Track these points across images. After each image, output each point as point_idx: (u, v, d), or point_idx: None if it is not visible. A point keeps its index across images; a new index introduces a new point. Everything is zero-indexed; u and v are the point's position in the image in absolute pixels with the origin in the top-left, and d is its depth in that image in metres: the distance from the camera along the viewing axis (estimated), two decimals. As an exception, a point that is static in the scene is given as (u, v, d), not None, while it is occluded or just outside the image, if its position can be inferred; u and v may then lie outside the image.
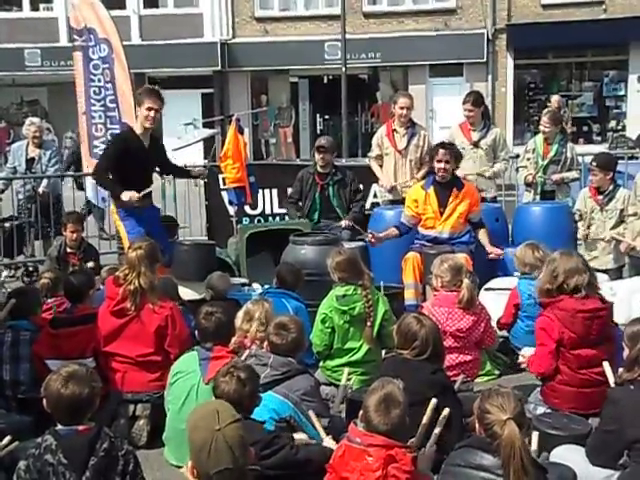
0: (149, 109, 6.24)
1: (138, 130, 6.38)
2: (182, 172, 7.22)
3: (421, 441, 3.48)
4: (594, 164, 6.99)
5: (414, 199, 6.68)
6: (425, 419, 3.53)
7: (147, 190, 6.38)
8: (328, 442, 3.61)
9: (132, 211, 6.36)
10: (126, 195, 6.13)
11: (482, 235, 6.64)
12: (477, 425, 3.11)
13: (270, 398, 3.86)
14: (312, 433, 3.91)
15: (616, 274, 6.80)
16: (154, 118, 6.30)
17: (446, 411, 3.56)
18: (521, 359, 4.84)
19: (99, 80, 8.77)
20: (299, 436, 3.62)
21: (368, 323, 5.09)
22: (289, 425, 3.82)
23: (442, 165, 6.52)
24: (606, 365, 4.17)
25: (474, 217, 6.64)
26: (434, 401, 3.60)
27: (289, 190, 8.12)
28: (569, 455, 3.65)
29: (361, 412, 3.21)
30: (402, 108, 7.68)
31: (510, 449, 2.90)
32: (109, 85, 8.71)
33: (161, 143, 6.84)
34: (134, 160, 6.20)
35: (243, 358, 4.29)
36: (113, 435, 3.10)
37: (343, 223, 7.60)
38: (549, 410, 4.54)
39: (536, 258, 5.57)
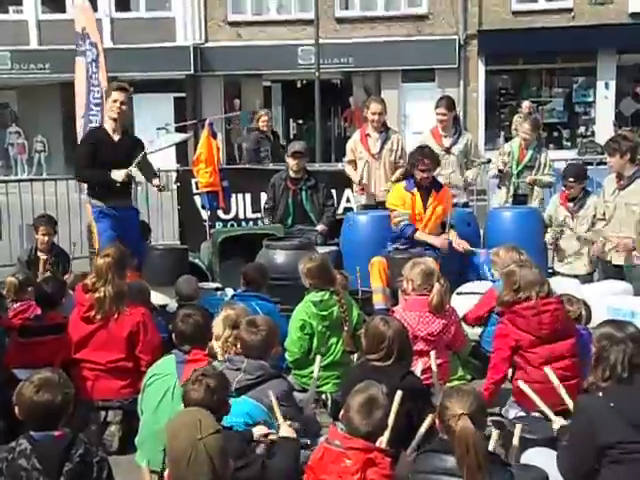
0: (115, 101, 6.49)
1: (107, 125, 6.58)
2: (148, 173, 7.09)
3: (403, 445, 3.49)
4: (571, 179, 7.03)
5: (402, 197, 6.70)
6: (392, 414, 3.53)
7: (134, 165, 6.49)
8: (285, 430, 3.59)
9: (108, 212, 6.40)
10: (117, 175, 6.31)
11: (452, 234, 6.72)
12: (438, 423, 3.13)
13: (244, 402, 3.85)
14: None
15: (586, 279, 6.88)
16: (120, 109, 6.51)
17: (429, 418, 3.56)
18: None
19: (95, 84, 8.88)
20: (284, 429, 3.58)
21: (345, 327, 5.11)
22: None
23: (425, 175, 6.58)
24: (548, 370, 4.27)
25: (445, 218, 6.72)
26: (399, 393, 3.59)
27: (262, 195, 8.13)
28: (540, 458, 3.67)
29: (342, 412, 3.21)
30: (374, 113, 7.71)
31: (464, 444, 2.91)
32: (99, 88, 8.82)
33: (135, 137, 6.94)
34: (103, 154, 6.43)
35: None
36: (88, 442, 3.07)
37: (319, 228, 7.61)
38: (522, 413, 4.58)
39: (514, 260, 5.61)
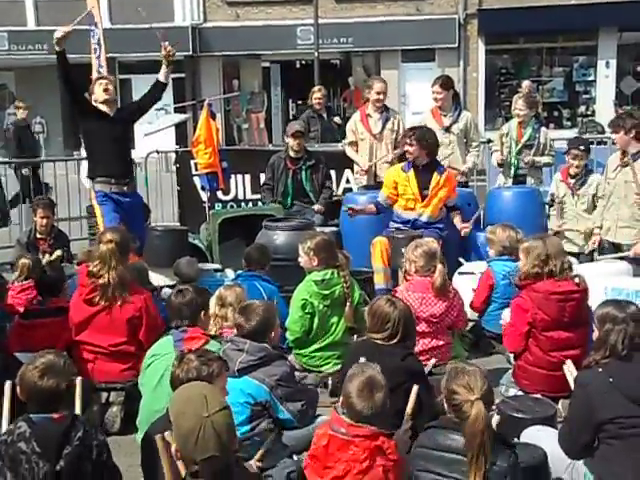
0: (100, 84, 6.48)
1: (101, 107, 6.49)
2: (156, 85, 6.96)
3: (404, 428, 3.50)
4: (581, 148, 7.06)
5: (393, 180, 6.69)
6: (408, 409, 3.55)
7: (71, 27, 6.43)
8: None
9: (111, 195, 6.39)
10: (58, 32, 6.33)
11: (457, 218, 6.71)
12: (445, 405, 3.14)
13: (246, 383, 3.87)
14: (285, 418, 3.94)
15: (587, 259, 6.89)
16: (107, 89, 6.45)
17: (415, 388, 3.57)
18: (502, 322, 4.93)
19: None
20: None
21: (348, 304, 5.12)
22: (264, 409, 3.83)
23: (406, 147, 6.60)
24: (566, 368, 4.22)
25: (450, 202, 6.69)
26: (415, 388, 3.61)
27: (262, 176, 8.11)
28: (540, 435, 3.70)
29: (342, 398, 3.20)
30: (378, 93, 7.68)
31: (474, 427, 2.94)
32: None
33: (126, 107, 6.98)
34: (100, 131, 6.36)
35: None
36: (87, 424, 3.06)
37: (315, 208, 7.61)
38: (520, 392, 4.61)
39: (515, 240, 5.63)
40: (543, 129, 7.95)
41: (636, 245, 6.44)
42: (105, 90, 6.43)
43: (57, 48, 6.21)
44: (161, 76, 6.85)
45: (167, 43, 6.81)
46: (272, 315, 4.20)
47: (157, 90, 6.88)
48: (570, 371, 4.10)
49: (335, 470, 3.07)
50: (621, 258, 6.49)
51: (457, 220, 6.70)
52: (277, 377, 3.92)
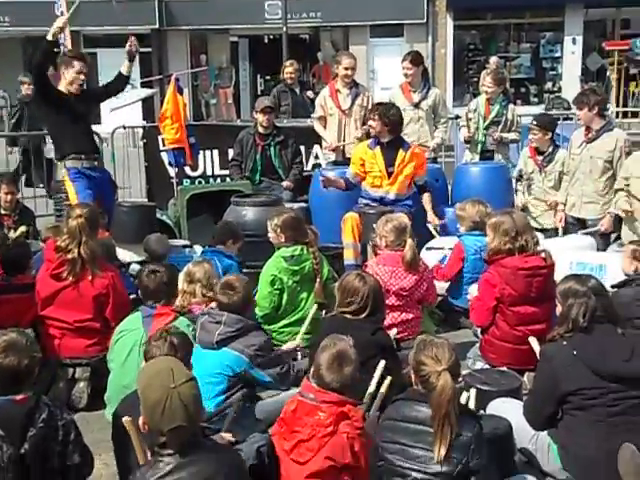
0: (79, 72, 6.37)
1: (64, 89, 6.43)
2: (119, 77, 6.96)
3: (368, 405, 3.54)
4: (534, 123, 7.11)
5: (360, 157, 6.70)
6: (373, 383, 3.59)
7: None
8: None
9: (83, 172, 6.37)
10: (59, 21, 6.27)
11: (426, 199, 6.74)
12: (413, 377, 3.18)
13: (225, 354, 3.92)
14: (266, 381, 4.03)
15: (552, 234, 6.97)
16: (82, 81, 6.42)
17: (388, 379, 3.61)
18: (469, 296, 5.01)
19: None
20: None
21: (317, 280, 5.14)
22: (243, 378, 3.89)
23: (370, 122, 6.63)
24: (532, 340, 4.29)
25: (419, 179, 6.70)
26: (382, 364, 3.65)
27: (230, 151, 8.06)
28: (505, 407, 3.77)
29: (312, 369, 3.24)
30: (347, 69, 7.66)
31: (441, 397, 3.00)
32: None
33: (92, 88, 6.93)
34: (65, 111, 6.32)
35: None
36: (52, 404, 3.03)
37: (285, 184, 7.60)
38: (487, 365, 4.68)
39: (486, 214, 5.68)
40: (510, 106, 7.98)
41: (604, 219, 6.54)
42: (79, 72, 6.38)
43: (50, 38, 6.14)
44: (124, 69, 6.88)
45: (133, 39, 6.90)
46: (250, 291, 4.27)
47: (120, 82, 6.95)
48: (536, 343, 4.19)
49: (301, 434, 3.11)
50: (591, 233, 6.59)
51: (426, 202, 6.72)
52: (255, 347, 3.97)
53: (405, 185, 6.59)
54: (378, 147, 6.61)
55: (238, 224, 6.20)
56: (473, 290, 4.98)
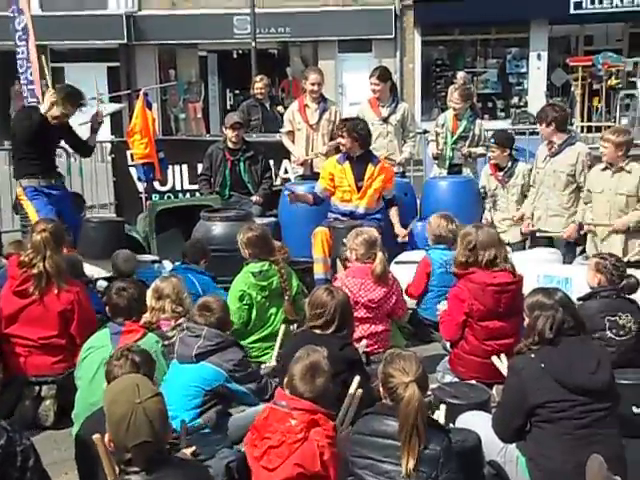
0: (65, 115, 6.40)
1: (43, 111, 6.36)
2: (84, 144, 6.99)
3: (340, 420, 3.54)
4: (491, 141, 7.23)
5: (329, 172, 6.72)
6: (347, 400, 3.60)
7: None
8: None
9: (41, 189, 6.31)
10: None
11: (393, 213, 6.77)
12: (381, 390, 3.19)
13: (204, 368, 3.91)
14: (245, 398, 4.02)
15: (518, 247, 7.05)
16: (64, 120, 6.45)
17: (359, 392, 3.63)
18: (438, 312, 5.03)
19: (22, 52, 8.63)
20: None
21: (286, 297, 5.13)
22: (219, 394, 3.88)
23: (339, 140, 6.65)
24: (495, 359, 4.32)
25: (387, 194, 6.74)
26: (357, 380, 3.66)
27: (199, 166, 8.05)
28: (474, 420, 3.78)
29: (286, 380, 3.25)
30: (313, 84, 7.71)
31: (408, 408, 3.00)
32: (27, 57, 8.59)
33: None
34: (42, 134, 6.27)
35: (171, 331, 4.37)
36: (11, 429, 2.91)
37: (254, 198, 7.60)
38: (456, 379, 4.70)
39: (449, 229, 5.73)
40: (478, 121, 8.06)
41: (568, 228, 6.63)
42: (63, 121, 6.43)
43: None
44: (90, 140, 6.95)
45: (100, 112, 7.06)
46: (227, 311, 4.27)
47: (83, 148, 7.03)
48: (501, 360, 4.22)
49: (271, 440, 3.11)
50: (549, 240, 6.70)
51: (393, 215, 6.76)
52: (234, 362, 3.97)
53: (374, 199, 6.63)
54: (347, 162, 6.64)
55: (207, 239, 6.19)
56: (442, 306, 5.02)
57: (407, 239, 6.76)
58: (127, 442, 2.59)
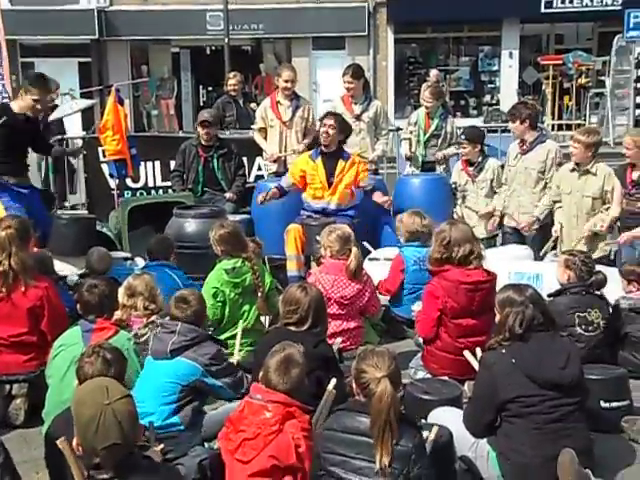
0: (36, 101, 6.27)
1: (16, 110, 6.32)
2: (50, 148, 7.01)
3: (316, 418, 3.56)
4: (462, 137, 7.29)
5: (301, 169, 6.72)
6: (323, 401, 3.61)
7: None
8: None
9: (10, 188, 6.24)
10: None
11: (377, 195, 6.80)
12: (354, 386, 3.21)
13: (179, 363, 3.90)
14: (221, 392, 4.02)
15: (489, 243, 7.11)
16: (36, 111, 6.39)
17: (333, 393, 3.64)
18: (413, 312, 5.06)
19: None
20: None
21: (259, 294, 5.13)
22: (195, 390, 3.87)
23: (325, 129, 6.61)
24: (468, 354, 4.37)
25: (365, 184, 6.74)
26: (333, 382, 3.68)
27: (172, 163, 8.02)
28: (446, 416, 3.81)
29: (261, 373, 3.26)
30: (286, 81, 7.70)
31: (380, 404, 3.02)
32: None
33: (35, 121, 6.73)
34: (12, 133, 6.21)
35: (143, 329, 4.36)
36: None
37: (227, 195, 7.59)
38: (428, 375, 4.73)
39: (422, 225, 5.76)
40: (450, 119, 8.11)
41: (526, 219, 6.71)
42: (34, 111, 6.36)
43: None
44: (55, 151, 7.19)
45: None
46: (204, 305, 4.26)
47: (45, 149, 7.10)
48: (475, 356, 4.26)
49: (246, 433, 3.11)
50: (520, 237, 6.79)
51: (377, 196, 6.78)
52: (209, 356, 3.96)
53: (346, 195, 6.64)
54: (320, 158, 6.65)
55: (180, 236, 6.17)
56: (416, 307, 5.04)
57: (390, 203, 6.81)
58: (96, 445, 2.53)
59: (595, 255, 5.99)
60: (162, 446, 3.32)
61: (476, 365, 4.11)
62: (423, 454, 3.11)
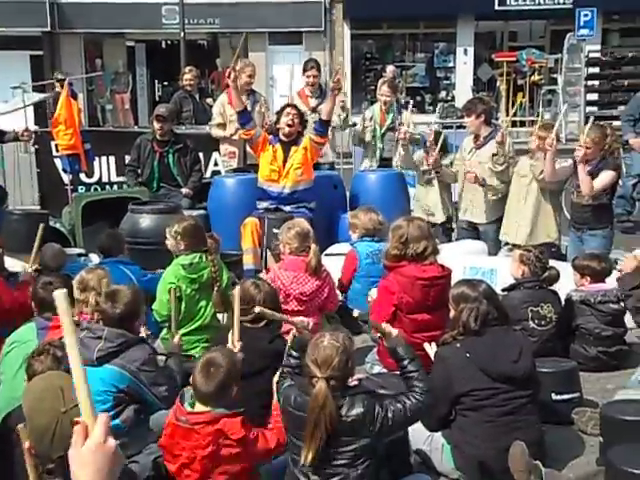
0: None
1: None
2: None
3: None
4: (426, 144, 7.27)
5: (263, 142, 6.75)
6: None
7: None
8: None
9: None
10: None
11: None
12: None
13: (107, 371, 3.80)
14: (151, 401, 3.91)
15: (445, 229, 7.26)
16: None
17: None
18: (368, 298, 5.07)
19: None
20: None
21: (215, 288, 5.11)
22: (127, 395, 3.78)
23: (291, 117, 6.59)
24: (427, 346, 4.41)
25: (312, 151, 6.71)
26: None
27: (127, 158, 7.93)
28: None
29: (191, 377, 3.28)
30: (249, 76, 7.69)
31: (313, 403, 3.03)
32: None
33: None
34: None
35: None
36: None
37: (184, 191, 7.54)
38: (384, 370, 4.76)
39: (374, 221, 5.78)
40: (404, 112, 8.18)
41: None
42: None
43: None
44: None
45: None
46: (139, 302, 4.13)
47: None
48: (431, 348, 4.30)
49: (182, 457, 3.12)
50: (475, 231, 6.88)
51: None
52: (139, 362, 3.85)
53: (298, 175, 6.61)
54: (279, 144, 6.65)
55: (135, 232, 6.11)
56: (373, 293, 5.06)
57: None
58: (51, 453, 2.48)
59: (540, 240, 6.14)
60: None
61: (432, 355, 4.16)
62: (377, 419, 3.10)
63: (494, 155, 6.57)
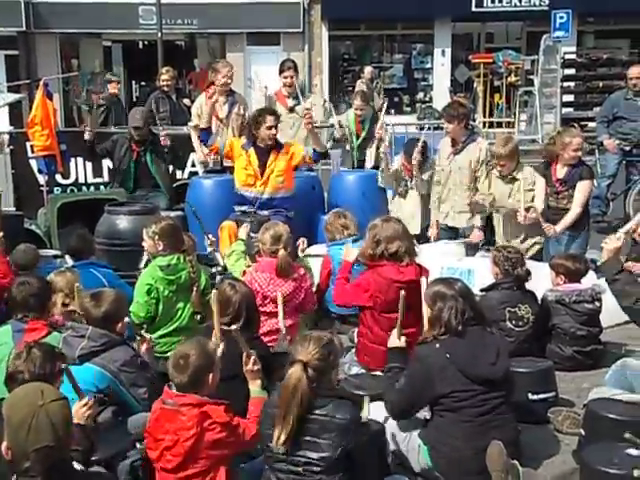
0: None
1: None
2: None
3: None
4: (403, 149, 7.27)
5: (233, 147, 6.74)
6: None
7: None
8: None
9: None
10: None
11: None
12: None
13: (88, 370, 3.79)
14: (131, 403, 3.90)
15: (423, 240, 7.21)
16: None
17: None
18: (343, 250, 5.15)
19: None
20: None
21: (194, 289, 5.09)
22: (106, 396, 3.77)
23: (273, 131, 6.53)
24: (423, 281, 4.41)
25: (296, 160, 6.71)
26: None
27: (104, 161, 7.92)
28: (378, 412, 3.84)
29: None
30: (225, 77, 7.65)
31: (285, 384, 3.07)
32: None
33: None
34: None
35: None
36: None
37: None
38: (362, 371, 4.77)
39: (340, 224, 5.81)
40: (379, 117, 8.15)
41: (473, 233, 6.82)
42: None
43: None
44: None
45: None
46: (122, 305, 4.15)
47: None
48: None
49: (165, 441, 3.13)
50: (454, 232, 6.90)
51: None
52: (119, 363, 3.86)
53: (279, 182, 6.59)
54: (252, 148, 6.62)
55: (112, 233, 6.07)
56: (348, 248, 5.13)
57: None
58: (27, 447, 2.46)
59: (529, 254, 6.18)
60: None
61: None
62: (361, 429, 3.15)
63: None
